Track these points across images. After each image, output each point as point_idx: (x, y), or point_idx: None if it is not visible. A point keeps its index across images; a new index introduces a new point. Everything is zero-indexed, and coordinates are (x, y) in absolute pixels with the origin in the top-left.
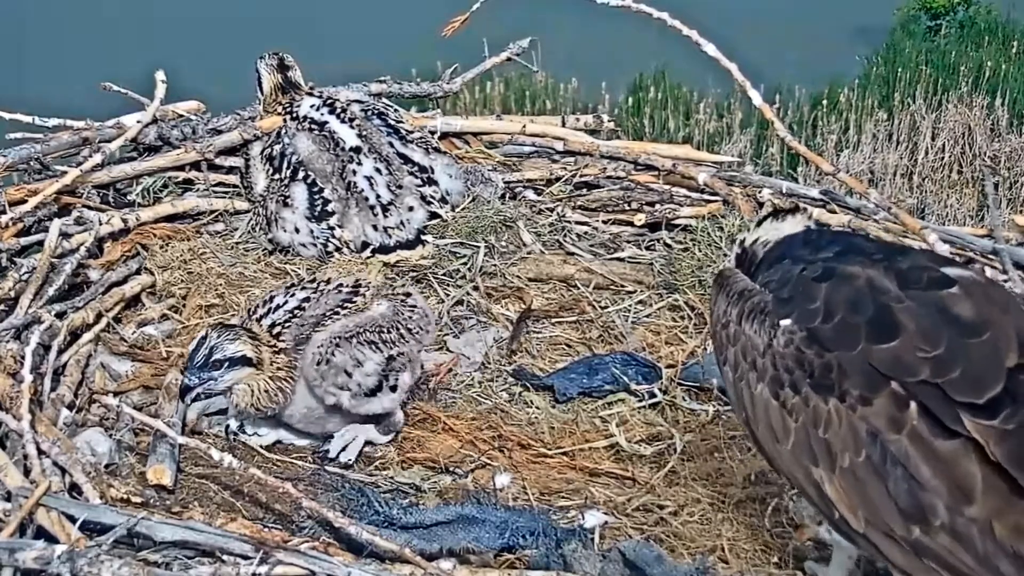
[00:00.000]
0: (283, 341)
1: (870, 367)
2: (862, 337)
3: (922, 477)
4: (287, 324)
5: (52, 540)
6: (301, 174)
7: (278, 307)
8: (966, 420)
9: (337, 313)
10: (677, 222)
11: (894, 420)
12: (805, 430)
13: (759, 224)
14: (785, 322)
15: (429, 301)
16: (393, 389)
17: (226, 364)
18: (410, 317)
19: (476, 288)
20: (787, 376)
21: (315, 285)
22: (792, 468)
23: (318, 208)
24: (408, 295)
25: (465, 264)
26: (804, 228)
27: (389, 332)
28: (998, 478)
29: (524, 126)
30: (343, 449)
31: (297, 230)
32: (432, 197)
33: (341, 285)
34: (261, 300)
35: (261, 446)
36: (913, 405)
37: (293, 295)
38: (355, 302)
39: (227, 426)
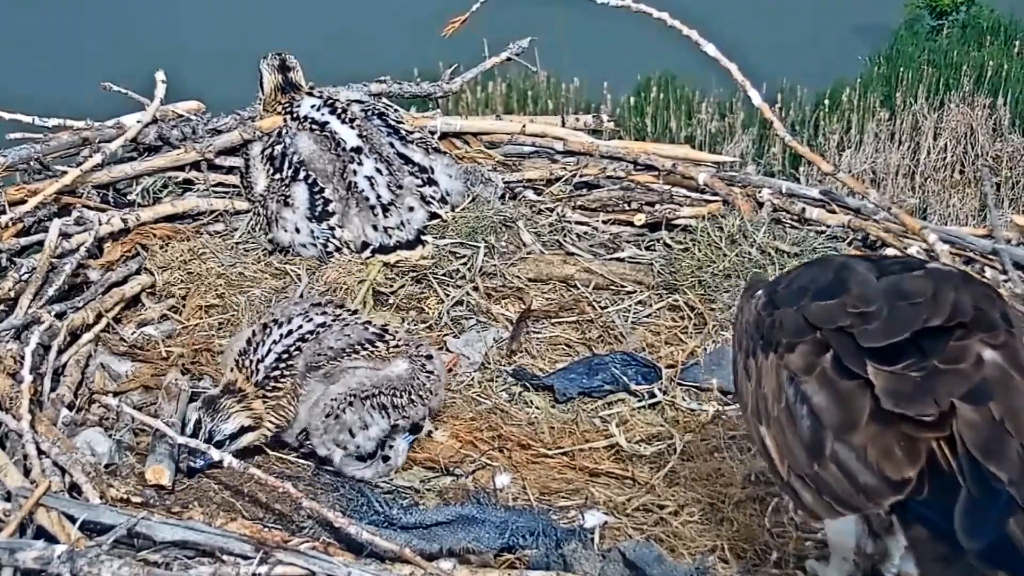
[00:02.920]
0: (290, 369)
1: (802, 319)
2: (808, 297)
3: (820, 413)
4: (297, 351)
5: (52, 540)
6: (302, 174)
7: (290, 332)
8: (869, 365)
9: (357, 352)
10: (677, 222)
11: (809, 364)
12: (756, 389)
13: None
14: (759, 292)
15: (429, 301)
16: (385, 460)
17: (227, 441)
18: (423, 383)
19: (476, 288)
20: (750, 343)
21: (336, 312)
22: (752, 434)
23: (318, 208)
24: (430, 357)
25: (465, 264)
26: None
27: (401, 397)
28: (882, 410)
29: (524, 126)
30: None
31: (297, 230)
32: (432, 197)
33: (369, 322)
34: (283, 317)
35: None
36: (830, 352)
37: (311, 319)
38: (378, 348)
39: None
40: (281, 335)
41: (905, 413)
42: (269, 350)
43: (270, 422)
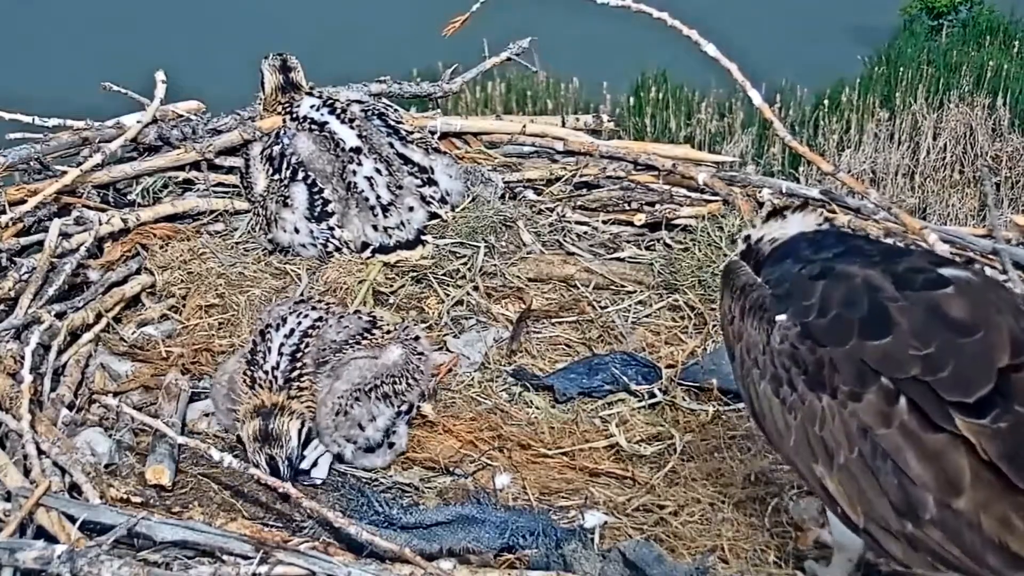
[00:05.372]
0: (305, 367)
1: (861, 362)
2: (855, 333)
3: (911, 471)
4: (306, 348)
5: (52, 540)
6: (301, 174)
7: (292, 331)
8: (956, 419)
9: (358, 342)
10: (677, 222)
11: (884, 415)
12: (804, 427)
13: (765, 220)
14: (780, 317)
15: (429, 301)
16: (391, 447)
17: (304, 457)
18: (417, 366)
19: (476, 288)
20: (784, 373)
21: (326, 307)
22: (796, 464)
23: (318, 208)
24: (417, 339)
25: (465, 264)
26: (812, 228)
27: (400, 382)
28: (986, 471)
29: (524, 126)
30: (314, 464)
31: (297, 230)
32: (432, 197)
33: (358, 312)
34: (274, 322)
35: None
36: (902, 400)
37: (306, 315)
38: (374, 334)
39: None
40: (285, 336)
41: None
42: (280, 354)
43: (307, 412)
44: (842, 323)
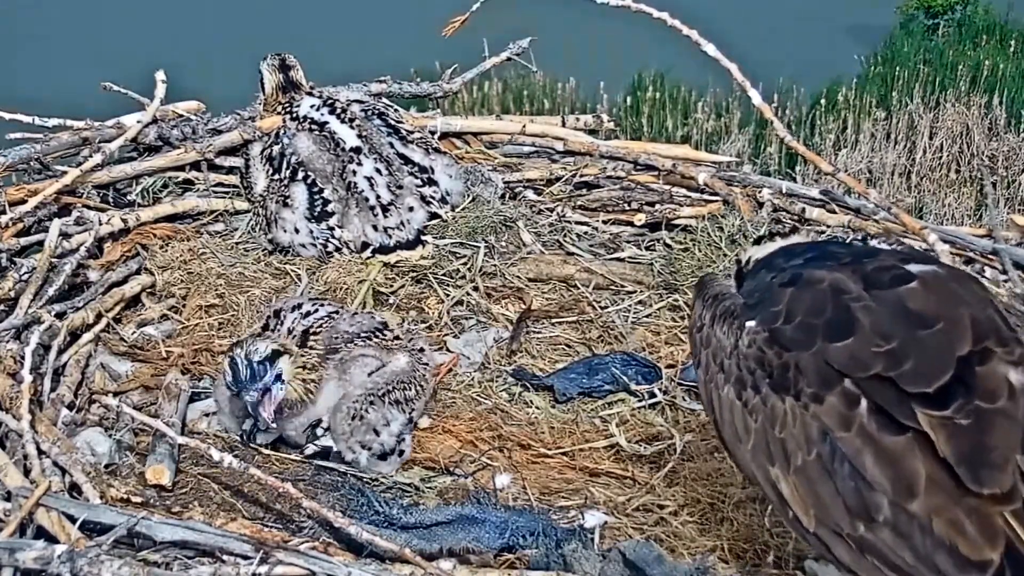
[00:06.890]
0: (317, 346)
1: (825, 364)
2: (819, 336)
3: (868, 474)
4: (319, 329)
5: (52, 540)
6: (301, 174)
7: (308, 314)
8: (918, 412)
9: (369, 338)
10: (677, 222)
11: (844, 418)
12: (764, 430)
13: (754, 244)
14: (750, 323)
15: (429, 301)
16: (400, 455)
17: (266, 362)
18: (423, 375)
19: (476, 288)
20: (749, 377)
21: (340, 305)
22: (752, 469)
23: (318, 208)
24: (422, 350)
25: (465, 264)
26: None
27: (409, 389)
28: (943, 473)
29: (524, 126)
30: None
31: (297, 230)
32: (432, 197)
33: (370, 312)
34: (288, 306)
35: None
36: (864, 402)
37: (322, 305)
38: (385, 335)
39: (243, 432)
40: (299, 316)
41: (983, 492)
42: (295, 324)
43: (300, 362)
44: (808, 327)
